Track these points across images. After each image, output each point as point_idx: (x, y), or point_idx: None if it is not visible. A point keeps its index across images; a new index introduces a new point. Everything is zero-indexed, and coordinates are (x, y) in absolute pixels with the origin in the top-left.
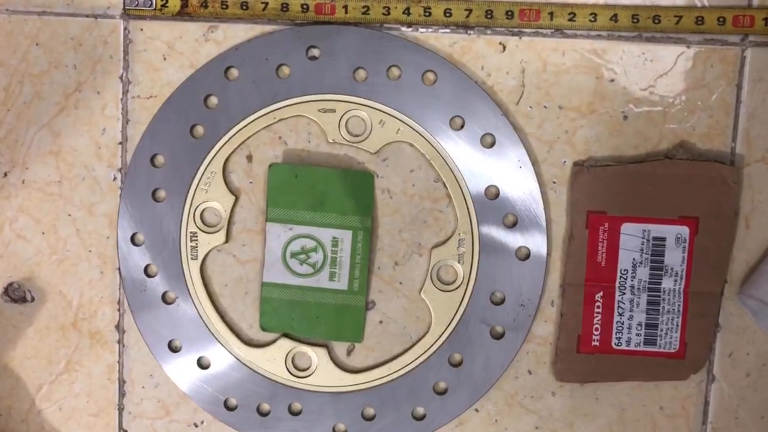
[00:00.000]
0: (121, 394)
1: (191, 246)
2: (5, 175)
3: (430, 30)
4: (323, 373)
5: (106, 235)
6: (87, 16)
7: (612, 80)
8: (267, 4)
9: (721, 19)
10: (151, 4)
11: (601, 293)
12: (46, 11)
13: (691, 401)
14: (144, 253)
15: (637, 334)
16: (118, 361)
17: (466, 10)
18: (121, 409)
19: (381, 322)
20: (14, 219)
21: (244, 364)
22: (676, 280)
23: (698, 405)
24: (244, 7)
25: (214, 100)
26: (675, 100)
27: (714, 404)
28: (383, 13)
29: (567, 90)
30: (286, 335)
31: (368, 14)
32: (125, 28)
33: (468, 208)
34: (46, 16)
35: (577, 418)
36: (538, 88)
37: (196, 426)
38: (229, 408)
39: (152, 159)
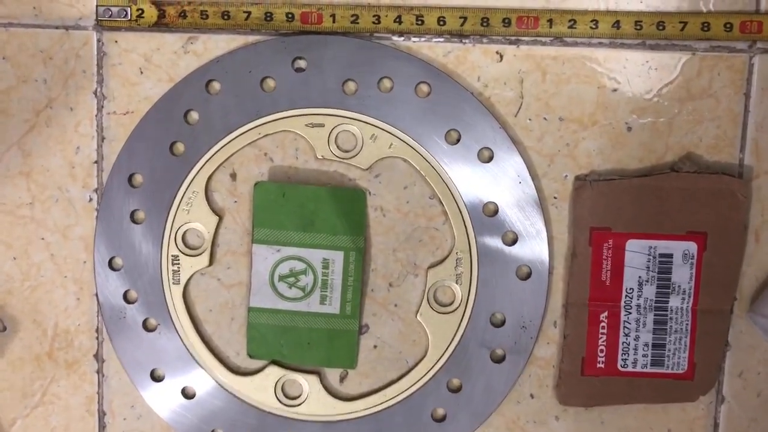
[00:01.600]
0: (102, 427)
1: (173, 270)
2: None
3: (423, 39)
4: (315, 402)
5: (83, 260)
6: (57, 27)
7: (615, 90)
8: (250, 13)
9: (728, 25)
10: (126, 14)
11: (605, 313)
12: (13, 23)
13: (700, 423)
14: (123, 278)
15: (644, 355)
16: (98, 392)
17: (460, 17)
18: None
19: (375, 346)
20: None
21: (231, 393)
22: (683, 299)
23: (707, 427)
24: (226, 17)
25: (195, 116)
26: (680, 110)
27: (724, 426)
28: (373, 22)
29: (568, 101)
30: (275, 362)
31: (357, 23)
32: (99, 40)
33: (465, 225)
34: (12, 28)
35: None
36: (537, 99)
37: None
38: None
39: (130, 178)
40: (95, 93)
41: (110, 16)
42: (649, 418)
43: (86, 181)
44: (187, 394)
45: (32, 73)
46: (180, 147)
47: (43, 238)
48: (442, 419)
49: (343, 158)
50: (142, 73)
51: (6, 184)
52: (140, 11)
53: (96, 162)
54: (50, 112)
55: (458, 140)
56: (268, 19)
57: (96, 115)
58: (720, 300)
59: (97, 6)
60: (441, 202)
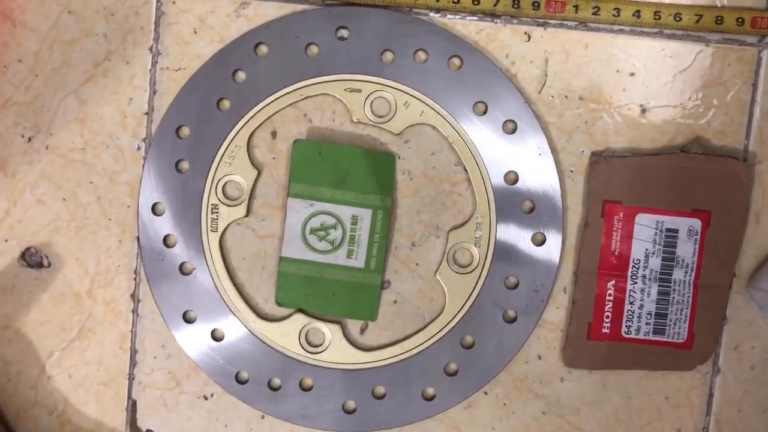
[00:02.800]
0: (132, 364)
1: (212, 218)
2: (29, 140)
3: (457, 17)
4: (336, 350)
5: (127, 204)
6: None
7: (632, 74)
8: None
9: (739, 20)
10: None
11: (613, 282)
12: None
13: (695, 392)
14: (164, 222)
15: (647, 324)
16: (131, 331)
17: None
18: (131, 379)
19: (395, 301)
20: (35, 184)
21: (257, 337)
22: (686, 272)
23: (702, 396)
24: None
25: (242, 75)
26: (692, 96)
27: (718, 396)
28: None
29: (588, 81)
30: (300, 311)
31: None
32: (158, 1)
33: (487, 192)
34: None
35: (584, 405)
36: (560, 78)
37: (206, 398)
38: (240, 381)
39: (177, 130)
40: (151, 49)
41: None
42: (648, 384)
43: (136, 130)
44: (216, 336)
45: (94, 28)
46: (226, 104)
47: (91, 182)
48: (455, 373)
49: (377, 123)
50: (195, 33)
51: (62, 128)
52: None
53: (147, 113)
54: (108, 65)
55: (485, 112)
56: None
57: (150, 70)
58: (720, 275)
59: None
60: (465, 169)
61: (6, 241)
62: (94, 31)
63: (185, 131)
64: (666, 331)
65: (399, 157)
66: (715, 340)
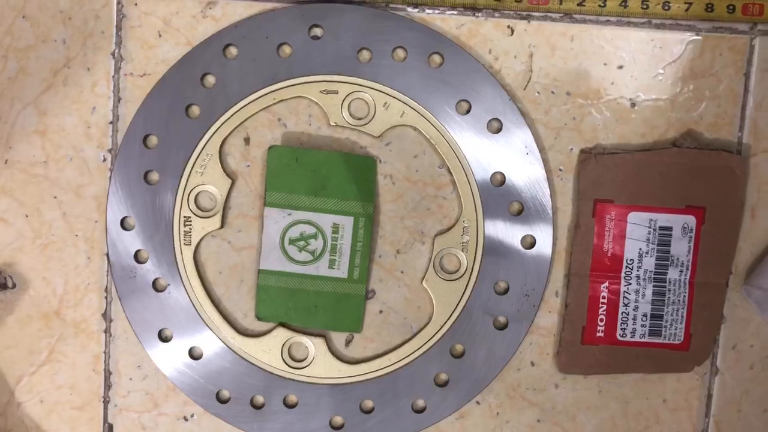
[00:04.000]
0: (107, 386)
1: (185, 231)
2: None
3: (436, 11)
4: (321, 364)
5: (95, 219)
6: None
7: (620, 67)
8: None
9: (730, 7)
10: None
11: (606, 283)
12: None
13: (694, 394)
14: (134, 237)
15: (642, 325)
16: (104, 351)
17: None
18: (106, 402)
19: (381, 311)
20: None
21: (237, 354)
22: (681, 271)
23: (701, 398)
24: None
25: (211, 80)
26: (683, 88)
27: (717, 397)
28: None
29: (575, 76)
30: (282, 325)
31: None
32: (118, 2)
33: (473, 195)
34: None
35: (580, 411)
36: (545, 73)
37: (186, 419)
38: (221, 400)
39: (145, 139)
40: (113, 54)
41: None
42: (645, 387)
43: (101, 141)
44: (194, 354)
45: (51, 33)
46: (195, 110)
47: (55, 197)
48: (445, 384)
49: (356, 125)
50: (160, 36)
51: (21, 142)
52: None
53: (111, 122)
54: (67, 72)
55: (468, 111)
56: None
57: (113, 76)
58: (716, 273)
59: None
60: (450, 172)
61: None
62: (51, 37)
63: (153, 140)
64: (662, 332)
65: (380, 161)
66: (712, 340)
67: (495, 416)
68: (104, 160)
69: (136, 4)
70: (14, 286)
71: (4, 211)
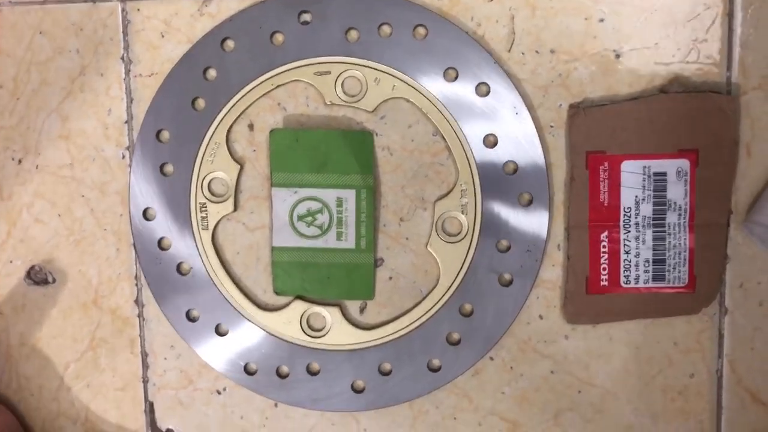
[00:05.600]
0: (145, 367)
1: (201, 216)
2: (19, 162)
3: None
4: (338, 332)
5: (120, 213)
6: (86, 1)
7: (601, 20)
8: None
9: None
10: None
11: (606, 233)
12: (47, 0)
13: (705, 335)
14: (157, 226)
15: (645, 271)
16: (140, 335)
17: None
18: (145, 382)
19: (390, 278)
20: (31, 204)
21: (260, 328)
22: (680, 214)
23: (713, 338)
24: None
25: (212, 73)
26: (666, 35)
27: (728, 336)
28: None
29: (557, 33)
30: (299, 297)
31: None
32: (123, 10)
33: (468, 158)
34: (48, 5)
35: (592, 360)
36: (528, 33)
37: (219, 393)
38: (249, 372)
39: (158, 134)
40: (122, 58)
41: None
42: (655, 332)
43: (119, 140)
44: (220, 331)
45: (66, 44)
46: (201, 102)
47: (83, 195)
48: (457, 342)
49: (350, 103)
50: (163, 36)
51: (48, 147)
52: None
53: (126, 122)
54: (83, 79)
55: (456, 78)
56: None
57: (124, 79)
58: (716, 213)
59: None
60: (444, 138)
61: (11, 262)
62: (66, 48)
63: (165, 135)
64: (666, 276)
65: (376, 134)
66: (718, 279)
67: (509, 370)
68: (123, 157)
69: (138, 10)
70: (54, 280)
71: (40, 213)
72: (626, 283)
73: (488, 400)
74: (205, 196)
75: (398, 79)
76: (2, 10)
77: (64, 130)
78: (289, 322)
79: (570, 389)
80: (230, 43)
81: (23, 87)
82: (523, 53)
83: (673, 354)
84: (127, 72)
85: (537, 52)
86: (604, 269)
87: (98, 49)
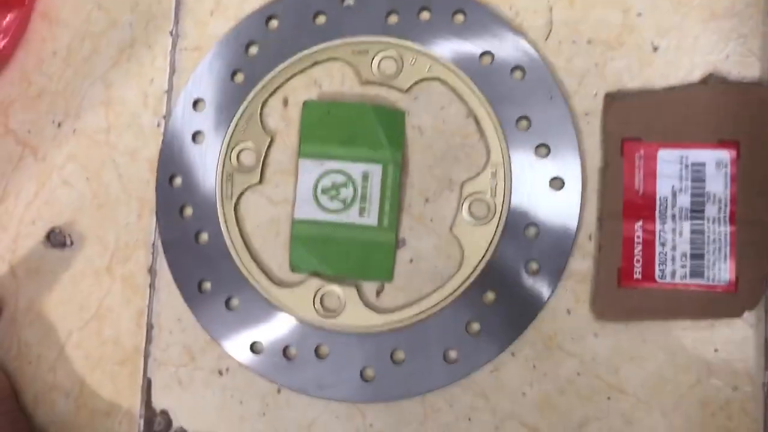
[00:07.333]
0: (148, 340)
1: (227, 186)
2: (59, 125)
3: None
4: (352, 313)
5: (147, 179)
6: None
7: (639, 14)
8: None
9: None
10: None
11: (640, 223)
12: None
13: (749, 343)
14: (180, 193)
15: (682, 266)
16: (148, 306)
17: None
18: (146, 356)
19: (411, 260)
20: (62, 166)
21: (272, 303)
22: (720, 208)
23: (759, 347)
24: None
25: (254, 49)
26: (705, 29)
27: None
28: None
29: (595, 25)
30: (315, 275)
31: None
32: None
33: (499, 140)
34: None
35: (623, 362)
36: (565, 24)
37: (221, 374)
38: (255, 352)
39: (195, 104)
40: (171, 32)
41: None
42: (694, 336)
43: (156, 108)
44: (230, 305)
45: (121, 19)
46: (240, 76)
47: (114, 160)
48: (477, 333)
49: (385, 82)
50: (211, 14)
51: (88, 111)
52: None
53: (166, 91)
54: (131, 51)
55: (492, 61)
56: None
57: (170, 51)
58: (760, 209)
59: None
60: (476, 120)
61: (33, 223)
62: (120, 22)
63: (202, 105)
64: (704, 273)
65: (408, 114)
66: (763, 280)
67: (531, 369)
68: (158, 125)
69: None
70: (72, 243)
71: (70, 175)
72: (661, 278)
73: (507, 402)
74: (233, 167)
75: (434, 60)
76: None
77: (106, 96)
78: (302, 299)
79: (598, 395)
80: (274, 23)
81: (75, 55)
82: (560, 42)
83: (713, 361)
84: (174, 45)
85: (574, 42)
86: (638, 261)
87: (149, 24)
